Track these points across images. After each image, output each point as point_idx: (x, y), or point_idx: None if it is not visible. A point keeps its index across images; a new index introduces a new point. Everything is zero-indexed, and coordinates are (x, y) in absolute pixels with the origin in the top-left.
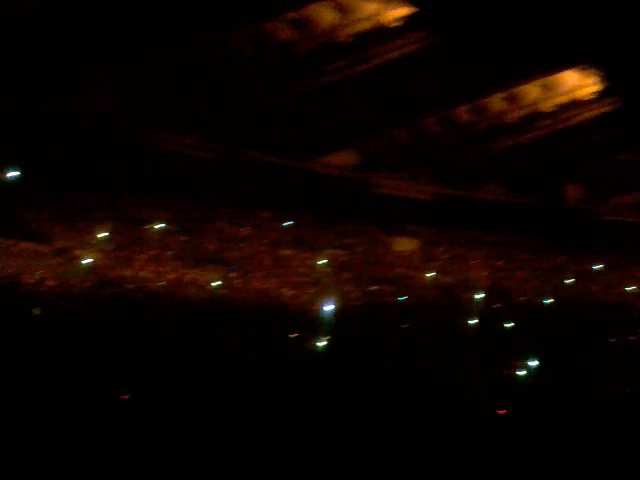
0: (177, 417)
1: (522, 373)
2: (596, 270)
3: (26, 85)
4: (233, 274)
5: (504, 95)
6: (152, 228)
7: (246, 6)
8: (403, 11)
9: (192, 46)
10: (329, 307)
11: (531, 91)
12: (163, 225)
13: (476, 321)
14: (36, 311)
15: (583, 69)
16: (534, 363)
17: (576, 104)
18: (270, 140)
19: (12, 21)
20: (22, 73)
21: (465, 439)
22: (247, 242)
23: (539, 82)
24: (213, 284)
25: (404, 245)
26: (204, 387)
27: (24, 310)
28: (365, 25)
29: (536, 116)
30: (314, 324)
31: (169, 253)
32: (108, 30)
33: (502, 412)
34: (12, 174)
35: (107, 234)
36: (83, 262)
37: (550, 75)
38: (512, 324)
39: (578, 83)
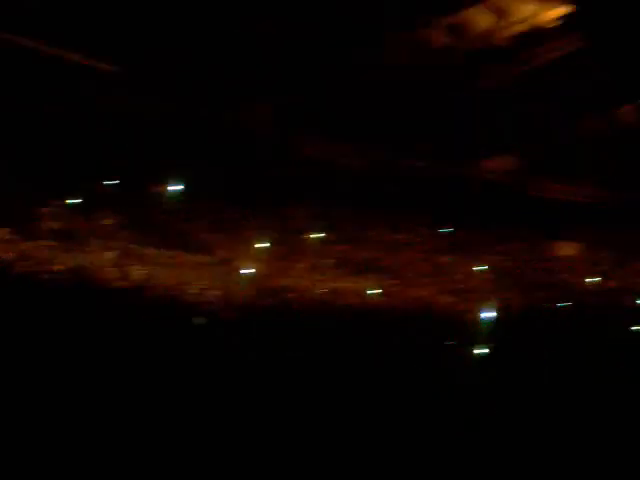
0: (340, 424)
1: None
2: None
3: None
4: (391, 282)
5: None
6: (311, 237)
7: (400, 13)
8: (561, 11)
9: (351, 57)
10: (489, 314)
11: None
12: (321, 234)
13: None
14: (199, 321)
15: None
16: None
17: None
18: (427, 146)
19: None
20: (204, 82)
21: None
22: (404, 249)
23: None
24: (371, 292)
25: (566, 250)
26: (361, 395)
27: (187, 321)
28: (522, 27)
29: None
30: (473, 332)
31: (328, 262)
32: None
33: None
34: (176, 187)
35: (267, 244)
36: (244, 272)
37: None
38: None
39: None
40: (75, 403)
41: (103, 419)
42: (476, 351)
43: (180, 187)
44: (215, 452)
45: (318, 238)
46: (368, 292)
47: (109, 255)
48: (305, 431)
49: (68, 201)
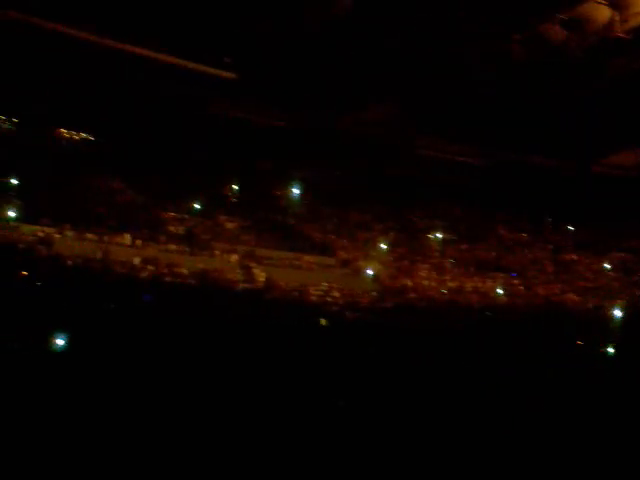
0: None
1: None
2: None
3: (323, 99)
4: (515, 281)
5: None
6: (432, 237)
7: (519, 10)
8: None
9: (473, 53)
10: (618, 312)
11: None
12: (443, 234)
13: None
14: (323, 322)
15: None
16: None
17: None
18: (547, 143)
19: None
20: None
21: None
22: (528, 248)
23: None
24: (495, 291)
25: None
26: (486, 393)
27: (311, 322)
28: None
29: None
30: (602, 330)
31: (449, 261)
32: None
33: None
34: (297, 190)
35: (388, 245)
36: (367, 273)
37: None
38: None
39: None
40: (205, 399)
41: (240, 411)
42: (604, 350)
43: (301, 190)
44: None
45: (440, 238)
46: (491, 291)
47: (233, 258)
48: (434, 425)
49: (192, 206)
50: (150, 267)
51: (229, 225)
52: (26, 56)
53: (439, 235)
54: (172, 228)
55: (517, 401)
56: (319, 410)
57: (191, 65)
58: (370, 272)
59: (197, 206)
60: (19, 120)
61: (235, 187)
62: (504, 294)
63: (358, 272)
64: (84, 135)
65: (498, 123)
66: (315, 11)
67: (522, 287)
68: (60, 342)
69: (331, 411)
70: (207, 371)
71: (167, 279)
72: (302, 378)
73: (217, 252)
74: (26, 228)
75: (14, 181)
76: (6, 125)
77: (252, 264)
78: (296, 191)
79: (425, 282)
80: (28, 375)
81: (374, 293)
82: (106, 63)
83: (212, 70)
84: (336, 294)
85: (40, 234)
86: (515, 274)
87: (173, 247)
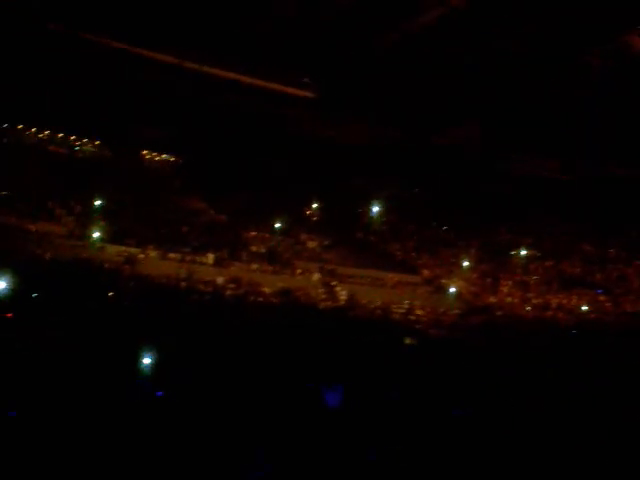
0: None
1: None
2: None
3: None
4: (602, 297)
5: None
6: (516, 254)
7: (602, 22)
8: None
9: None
10: None
11: None
12: (527, 250)
13: None
14: (407, 340)
15: None
16: None
17: None
18: (633, 157)
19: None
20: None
21: None
22: (614, 263)
23: None
24: (581, 308)
25: None
26: (574, 415)
27: (395, 340)
28: None
29: None
30: None
31: (534, 278)
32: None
33: None
34: (378, 207)
35: (472, 262)
36: (450, 290)
37: None
38: None
39: None
40: (290, 413)
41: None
42: None
43: (383, 207)
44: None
45: (524, 254)
46: (577, 308)
47: (315, 276)
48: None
49: (274, 225)
50: (233, 286)
51: (311, 243)
52: (110, 81)
53: (523, 251)
54: (254, 247)
55: (609, 419)
56: (409, 427)
57: (273, 85)
58: (454, 289)
59: (279, 225)
60: (103, 143)
61: (316, 205)
62: (590, 311)
63: (441, 290)
64: (167, 156)
65: (582, 138)
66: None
67: (609, 304)
68: (146, 360)
69: (417, 428)
70: (289, 388)
71: (249, 298)
72: (387, 396)
73: (299, 270)
74: (111, 248)
75: (99, 203)
76: (89, 148)
77: (334, 282)
78: (378, 208)
79: (509, 299)
80: (115, 391)
81: (458, 311)
82: (189, 85)
83: (294, 90)
84: (419, 312)
85: (125, 254)
86: (601, 290)
87: (255, 266)
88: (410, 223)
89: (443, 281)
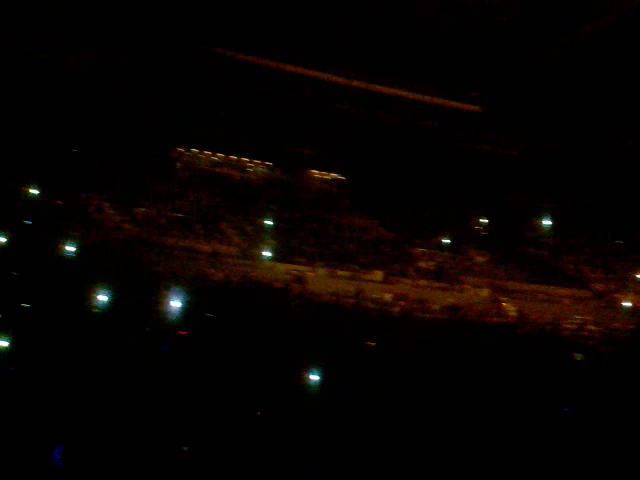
0: None
1: None
2: None
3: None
4: None
5: None
6: None
7: None
8: None
9: None
10: None
11: None
12: None
13: None
14: (578, 356)
15: None
16: None
17: None
18: None
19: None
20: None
21: None
22: None
23: None
24: None
25: None
26: None
27: (565, 356)
28: None
29: None
30: None
31: None
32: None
33: None
34: (547, 222)
35: None
36: (624, 305)
37: None
38: None
39: None
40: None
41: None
42: None
43: (552, 221)
44: None
45: None
46: None
47: (483, 292)
48: None
49: (441, 241)
50: (401, 303)
51: (479, 259)
52: (279, 102)
53: None
54: (422, 263)
55: None
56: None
57: (437, 100)
58: (627, 304)
59: (446, 240)
60: (273, 164)
61: (484, 220)
62: None
63: (614, 304)
64: (334, 175)
65: None
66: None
67: None
68: (314, 378)
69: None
70: (458, 405)
71: (417, 314)
72: (560, 413)
73: (467, 286)
74: (281, 267)
75: (269, 222)
76: (260, 169)
77: (503, 298)
78: (547, 222)
79: None
80: (286, 406)
81: (632, 326)
82: (356, 103)
83: (459, 104)
84: (591, 327)
85: (294, 272)
86: None
87: (423, 282)
88: (581, 236)
89: (616, 295)
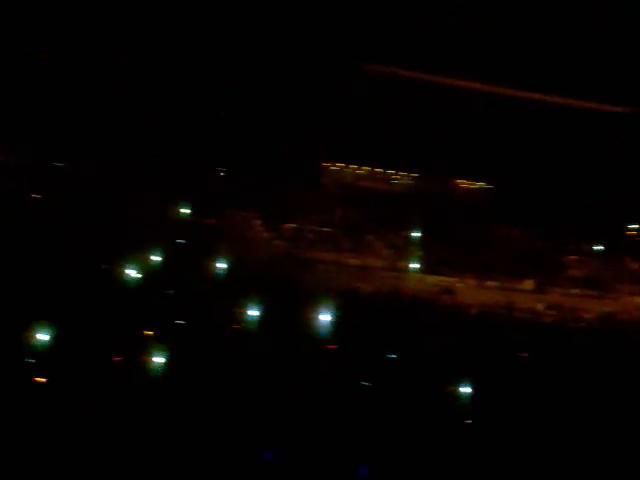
0: None
1: None
2: None
3: None
4: None
5: None
6: None
7: None
8: None
9: None
10: None
11: None
12: None
13: None
14: None
15: None
16: None
17: None
18: None
19: None
20: None
21: None
22: None
23: None
24: None
25: None
26: None
27: None
28: None
29: None
30: None
31: None
32: None
33: None
34: None
35: None
36: None
37: None
38: None
39: None
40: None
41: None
42: None
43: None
44: None
45: None
46: None
47: (639, 300)
48: None
49: (594, 248)
50: (553, 312)
51: (635, 265)
52: (422, 114)
53: None
54: (574, 271)
55: None
56: None
57: (586, 103)
58: None
59: (598, 247)
60: (419, 176)
61: (637, 226)
62: None
63: None
64: (481, 184)
65: None
66: None
67: None
68: (466, 390)
69: None
70: (614, 417)
71: (570, 324)
72: None
73: (623, 294)
74: (429, 278)
75: (416, 234)
76: (405, 181)
77: None
78: None
79: None
80: (431, 423)
81: None
82: (499, 113)
83: (609, 107)
84: None
85: (443, 284)
86: None
87: (576, 291)
88: None
89: None
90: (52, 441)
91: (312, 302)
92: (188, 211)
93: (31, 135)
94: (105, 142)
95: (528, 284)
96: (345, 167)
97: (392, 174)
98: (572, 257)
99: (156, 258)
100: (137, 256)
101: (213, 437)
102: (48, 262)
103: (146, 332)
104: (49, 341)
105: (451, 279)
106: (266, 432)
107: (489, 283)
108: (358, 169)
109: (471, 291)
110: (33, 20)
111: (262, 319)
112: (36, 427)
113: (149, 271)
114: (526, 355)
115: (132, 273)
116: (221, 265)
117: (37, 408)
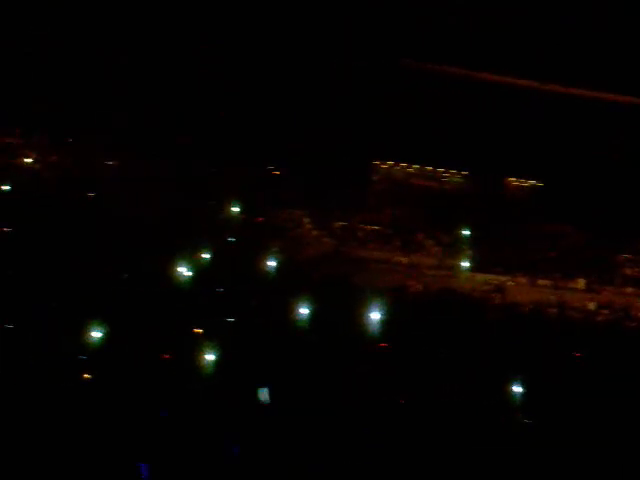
0: None
1: None
2: None
3: None
4: None
5: None
6: None
7: None
8: None
9: None
10: None
11: None
12: None
13: None
14: None
15: None
16: None
17: None
18: None
19: None
20: None
21: None
22: None
23: None
24: None
25: None
26: None
27: None
28: None
29: None
30: None
31: None
32: None
33: None
34: None
35: None
36: None
37: None
38: None
39: None
40: None
41: None
42: None
43: None
44: None
45: None
46: None
47: None
48: None
49: None
50: (605, 311)
51: None
52: (472, 112)
53: None
54: (627, 270)
55: None
56: None
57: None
58: None
59: None
60: (469, 174)
61: None
62: None
63: None
64: (532, 182)
65: None
66: None
67: None
68: (518, 389)
69: None
70: None
71: (623, 323)
72: None
73: None
74: (480, 277)
75: (467, 232)
76: (456, 179)
77: None
78: None
79: None
80: (481, 422)
81: None
82: (550, 109)
83: None
84: None
85: (494, 282)
86: None
87: (629, 290)
88: None
89: None
90: (103, 438)
91: (362, 300)
92: (238, 209)
93: (85, 136)
94: (158, 143)
95: (580, 283)
96: (395, 165)
97: (442, 172)
98: (624, 255)
99: (207, 256)
100: (188, 254)
101: (265, 435)
102: (101, 261)
103: (196, 330)
104: (102, 338)
105: (502, 278)
106: (317, 431)
107: (540, 282)
108: (408, 167)
109: (522, 290)
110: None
111: (312, 317)
112: (86, 423)
113: (200, 269)
114: (579, 355)
115: (184, 271)
116: (271, 263)
117: (87, 405)
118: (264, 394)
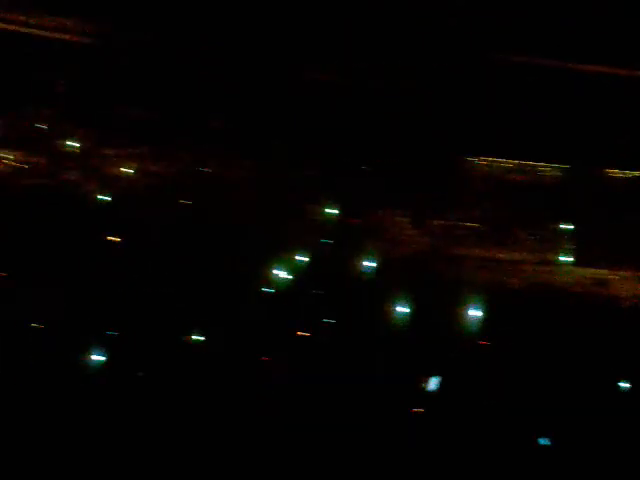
0: None
1: None
2: None
3: None
4: None
5: None
6: None
7: None
8: None
9: None
10: None
11: None
12: None
13: None
14: None
15: None
16: None
17: None
18: None
19: None
20: None
21: None
22: None
23: None
24: None
25: None
26: None
27: None
28: None
29: None
30: None
31: None
32: None
33: None
34: None
35: None
36: None
37: None
38: None
39: None
40: None
41: None
42: None
43: None
44: None
45: None
46: None
47: None
48: None
49: None
50: None
51: None
52: (567, 105)
53: None
54: None
55: None
56: None
57: None
58: None
59: None
60: (568, 167)
61: None
62: None
63: None
64: (635, 173)
65: None
66: None
67: None
68: (625, 385)
69: None
70: None
71: None
72: None
73: None
74: (581, 271)
75: (566, 226)
76: (555, 172)
77: None
78: None
79: None
80: (576, 421)
81: None
82: None
83: None
84: None
85: (595, 276)
86: None
87: None
88: None
89: None
90: (198, 439)
91: (461, 298)
92: (335, 211)
93: (181, 143)
94: (250, 144)
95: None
96: (493, 161)
97: (541, 166)
98: None
99: (304, 258)
100: (286, 257)
101: (365, 437)
102: (200, 264)
103: (298, 332)
104: (201, 341)
105: (604, 271)
106: (419, 430)
107: None
108: (506, 162)
109: (626, 283)
110: None
111: (411, 316)
112: (182, 426)
113: (298, 271)
114: None
115: (281, 274)
116: (368, 263)
117: (185, 406)
118: (433, 382)
